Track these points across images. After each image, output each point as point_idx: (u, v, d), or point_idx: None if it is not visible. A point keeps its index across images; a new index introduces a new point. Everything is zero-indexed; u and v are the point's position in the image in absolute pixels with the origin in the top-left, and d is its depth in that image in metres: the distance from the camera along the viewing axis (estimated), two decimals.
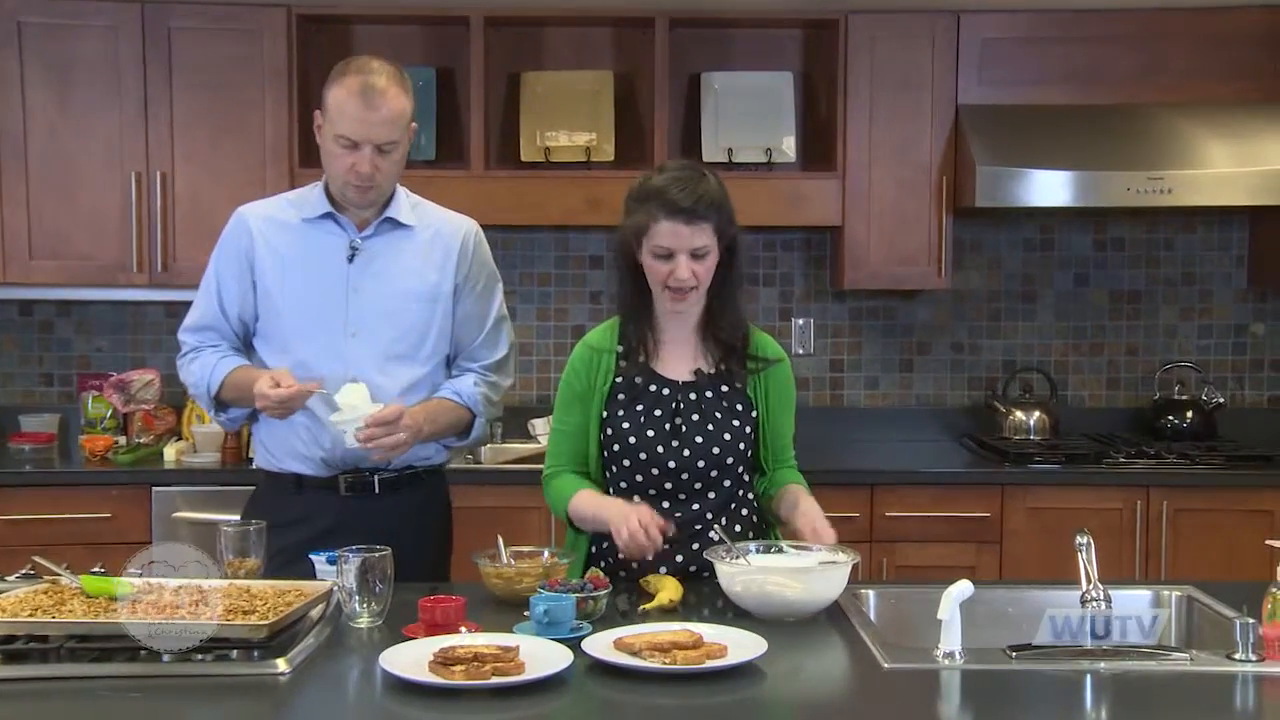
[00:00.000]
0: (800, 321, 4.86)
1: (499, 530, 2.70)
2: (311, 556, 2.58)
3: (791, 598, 2.38)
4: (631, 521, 2.50)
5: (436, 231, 2.91)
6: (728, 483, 2.70)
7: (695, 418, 2.68)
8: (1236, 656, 2.18)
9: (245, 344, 2.94)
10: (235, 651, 2.11)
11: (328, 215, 2.87)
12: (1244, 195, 4.28)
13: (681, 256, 2.59)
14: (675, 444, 2.66)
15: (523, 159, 4.60)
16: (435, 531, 2.98)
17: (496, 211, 4.45)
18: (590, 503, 2.66)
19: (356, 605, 2.35)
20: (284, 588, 2.31)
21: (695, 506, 2.68)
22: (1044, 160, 4.28)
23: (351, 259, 2.84)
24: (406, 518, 2.85)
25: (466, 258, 2.92)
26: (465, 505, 4.09)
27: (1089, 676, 2.12)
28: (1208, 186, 4.26)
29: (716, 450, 2.67)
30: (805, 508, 2.63)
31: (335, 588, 2.36)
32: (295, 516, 2.78)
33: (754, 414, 2.72)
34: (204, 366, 2.89)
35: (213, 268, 2.93)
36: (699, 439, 2.67)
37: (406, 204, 2.92)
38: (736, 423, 2.70)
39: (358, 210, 2.85)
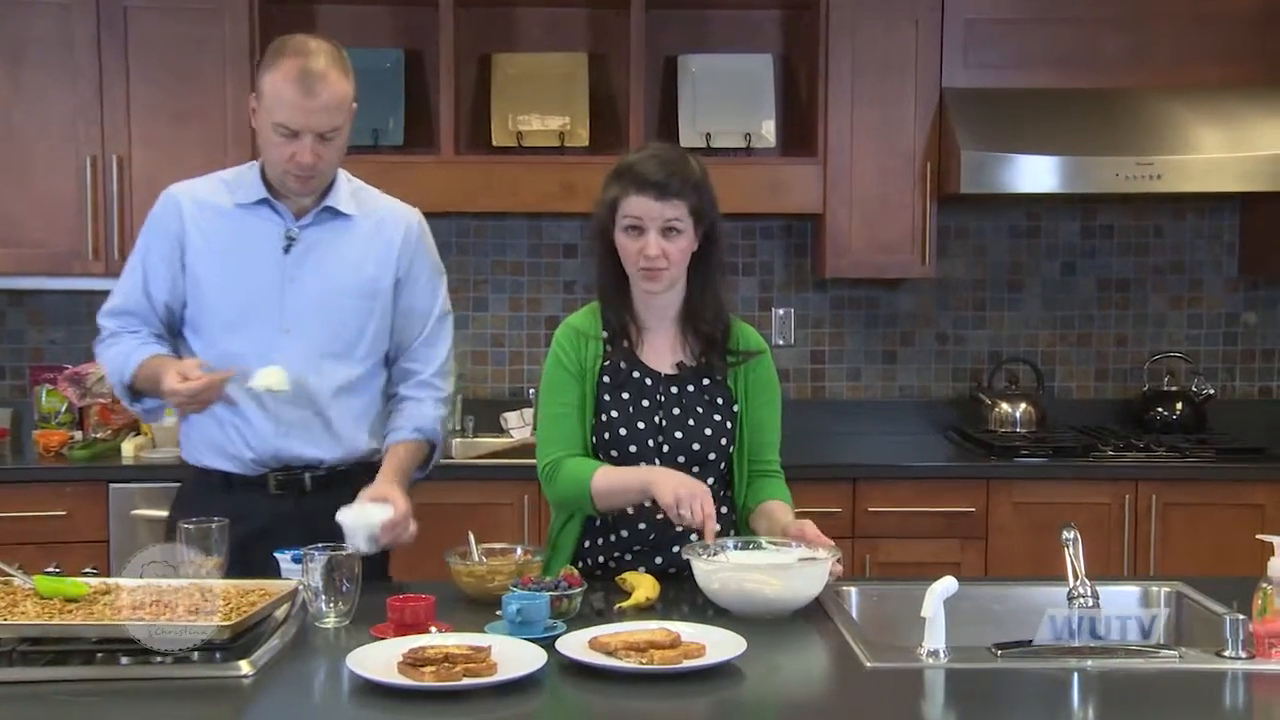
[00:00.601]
0: (780, 312, 4.87)
1: (470, 527, 2.69)
2: (276, 555, 2.57)
3: (770, 595, 2.38)
4: (695, 504, 2.47)
5: (378, 222, 2.86)
6: (710, 480, 2.70)
7: (676, 412, 2.69)
8: (1226, 654, 2.20)
9: (171, 331, 2.86)
10: (196, 653, 2.10)
11: (264, 201, 2.79)
12: (1235, 181, 4.31)
13: (651, 233, 2.59)
14: (660, 439, 2.67)
15: (494, 144, 4.60)
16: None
17: (467, 197, 4.45)
18: (620, 473, 2.61)
19: (323, 605, 2.34)
20: (247, 587, 2.30)
21: None
22: (1030, 145, 4.29)
23: (288, 249, 2.78)
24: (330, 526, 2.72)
25: (409, 251, 2.86)
26: (435, 501, 4.07)
27: (1076, 675, 2.13)
28: (1198, 172, 4.28)
29: (697, 446, 2.67)
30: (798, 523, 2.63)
31: (300, 587, 2.36)
32: (225, 516, 2.66)
33: (735, 409, 2.73)
34: (120, 354, 2.80)
35: (139, 250, 2.84)
36: (679, 434, 2.67)
37: (346, 190, 2.84)
38: (718, 418, 2.70)
39: (296, 197, 2.79)
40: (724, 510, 2.74)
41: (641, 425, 2.67)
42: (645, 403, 2.68)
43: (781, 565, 2.43)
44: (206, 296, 2.79)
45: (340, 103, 2.69)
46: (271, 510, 2.78)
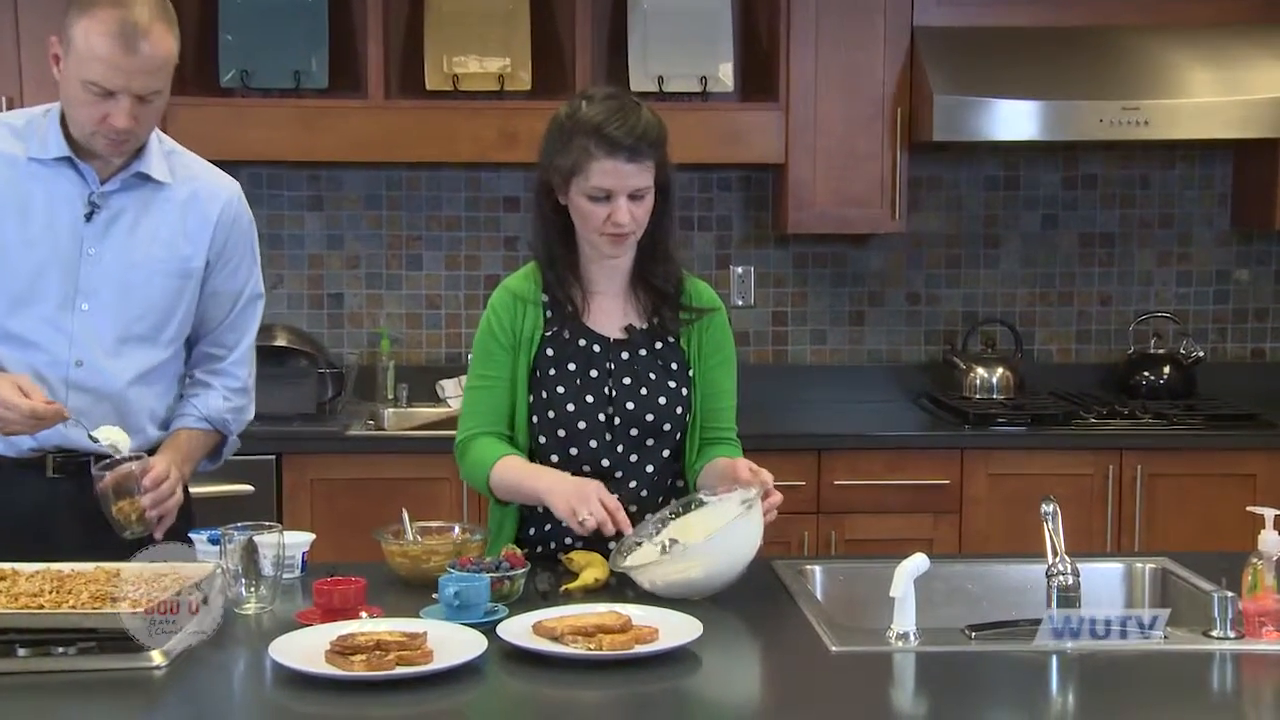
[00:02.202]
0: (739, 270, 4.87)
1: (404, 503, 2.69)
2: (192, 535, 2.56)
3: (699, 577, 2.38)
4: (592, 503, 2.46)
5: (194, 193, 2.73)
6: (666, 453, 2.70)
7: (627, 381, 2.68)
8: (1214, 634, 2.23)
9: None
10: (103, 643, 2.08)
11: (66, 160, 2.62)
12: (1228, 127, 4.33)
13: (621, 199, 2.57)
14: (610, 411, 2.66)
15: (428, 88, 4.56)
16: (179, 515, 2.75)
17: (398, 147, 4.42)
18: (518, 472, 2.62)
19: (242, 589, 2.34)
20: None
21: (632, 484, 2.67)
22: (1008, 89, 4.31)
23: (90, 217, 2.64)
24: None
25: (224, 229, 2.75)
26: (366, 476, 4.10)
27: (1055, 658, 2.16)
28: (1188, 117, 4.30)
29: (650, 418, 2.67)
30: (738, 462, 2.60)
31: (218, 570, 2.35)
32: None
33: (690, 373, 2.73)
34: None
35: None
36: (630, 405, 2.66)
37: (159, 153, 2.69)
38: (673, 384, 2.70)
39: (105, 158, 2.64)
40: (680, 484, 2.75)
41: (590, 398, 2.66)
42: (593, 373, 2.67)
43: (701, 544, 2.40)
44: None
45: (164, 62, 2.54)
46: (48, 495, 2.63)
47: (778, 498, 2.51)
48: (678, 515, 2.54)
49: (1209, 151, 4.89)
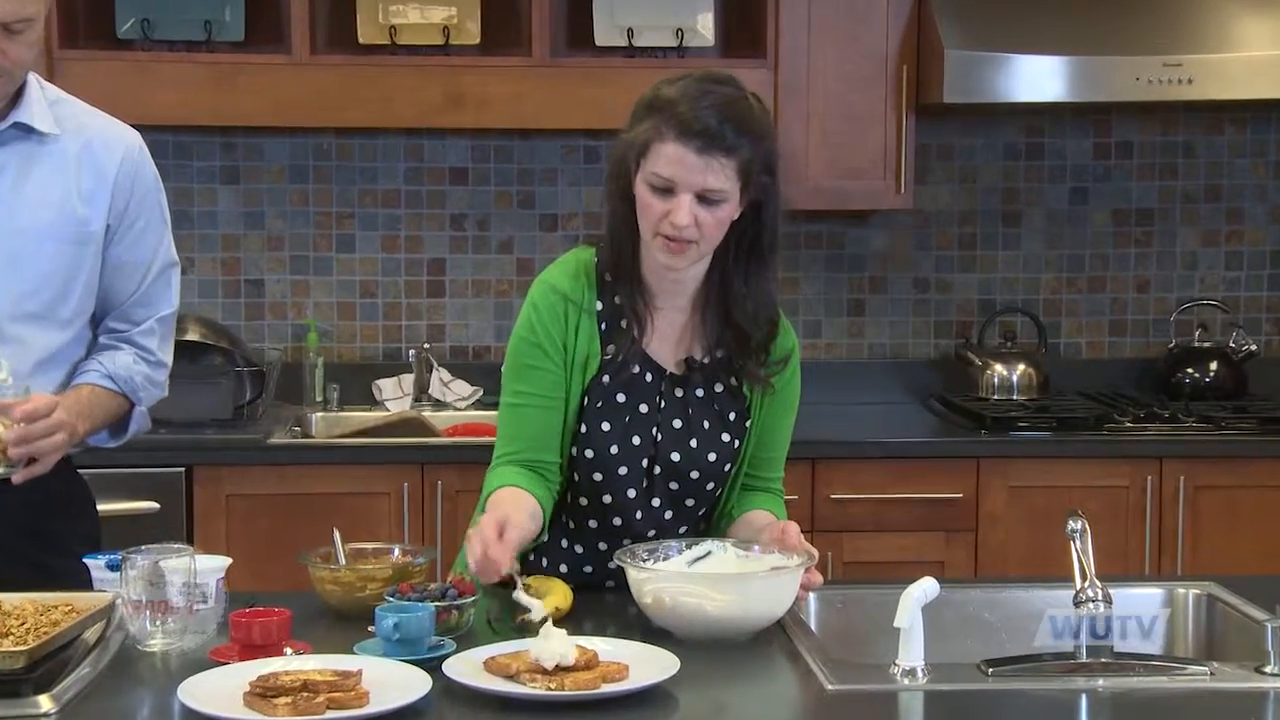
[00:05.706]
0: None
1: (335, 522, 2.69)
2: (87, 560, 2.55)
3: (714, 614, 2.36)
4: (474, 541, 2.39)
5: (86, 145, 2.73)
6: (702, 511, 2.70)
7: (678, 425, 2.62)
8: (1267, 670, 2.23)
9: None
10: None
11: None
12: None
13: (685, 196, 2.45)
14: (654, 455, 2.62)
15: (361, 41, 4.56)
16: (77, 537, 2.77)
17: (327, 109, 4.41)
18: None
19: (147, 622, 2.33)
20: (48, 602, 2.29)
21: (652, 534, 2.64)
22: (1030, 43, 4.32)
23: None
24: (28, 520, 2.67)
25: (125, 187, 2.74)
26: (291, 491, 4.09)
27: (1084, 697, 2.17)
28: (1239, 75, 4.33)
29: (695, 475, 2.63)
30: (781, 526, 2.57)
31: (118, 600, 2.34)
32: None
33: (748, 423, 2.68)
34: None
35: None
36: (676, 456, 2.61)
37: (41, 102, 2.70)
38: (726, 438, 2.64)
39: None
40: (700, 526, 2.73)
41: (637, 440, 2.60)
42: (644, 408, 2.61)
43: (734, 576, 2.43)
44: None
45: None
46: None
47: (818, 579, 2.52)
48: (705, 553, 2.51)
49: (1262, 114, 4.92)
